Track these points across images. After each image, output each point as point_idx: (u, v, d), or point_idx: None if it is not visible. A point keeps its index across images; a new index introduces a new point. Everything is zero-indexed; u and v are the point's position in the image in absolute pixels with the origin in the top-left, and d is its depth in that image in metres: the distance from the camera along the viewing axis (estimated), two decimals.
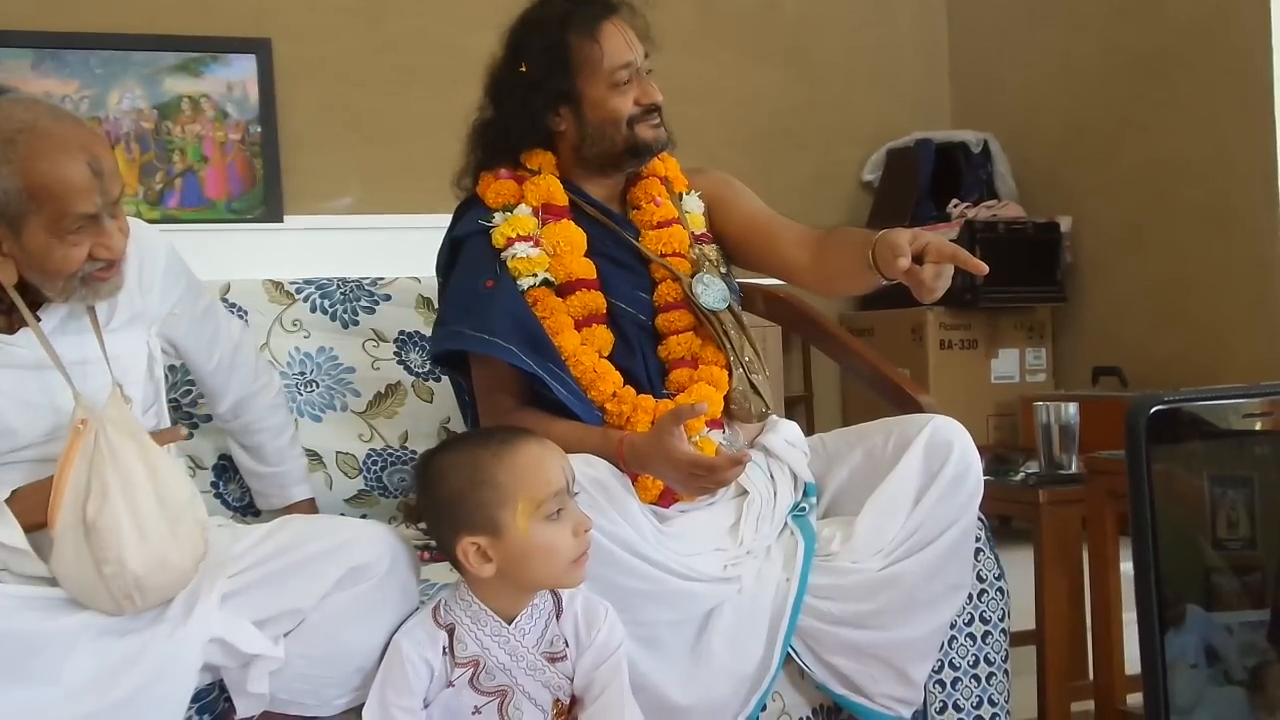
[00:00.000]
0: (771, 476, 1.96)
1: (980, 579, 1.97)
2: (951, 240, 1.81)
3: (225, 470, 2.19)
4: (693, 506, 1.89)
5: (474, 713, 1.59)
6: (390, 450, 2.31)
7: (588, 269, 1.96)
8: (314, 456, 2.23)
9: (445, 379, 2.27)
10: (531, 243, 1.95)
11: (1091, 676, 2.46)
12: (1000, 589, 2.00)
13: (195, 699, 1.58)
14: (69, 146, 1.57)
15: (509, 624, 1.60)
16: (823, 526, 1.94)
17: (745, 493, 1.92)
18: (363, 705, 1.59)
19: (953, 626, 1.94)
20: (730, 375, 1.94)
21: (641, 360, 1.96)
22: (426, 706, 1.58)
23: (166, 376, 1.91)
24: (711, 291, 1.97)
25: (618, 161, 2.01)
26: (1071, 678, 2.46)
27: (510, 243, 1.95)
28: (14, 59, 3.90)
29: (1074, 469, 2.49)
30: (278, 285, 2.32)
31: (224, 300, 2.23)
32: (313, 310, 2.32)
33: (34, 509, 1.58)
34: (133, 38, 4.00)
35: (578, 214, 2.01)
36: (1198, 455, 0.97)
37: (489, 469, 1.56)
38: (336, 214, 4.21)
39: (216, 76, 4.09)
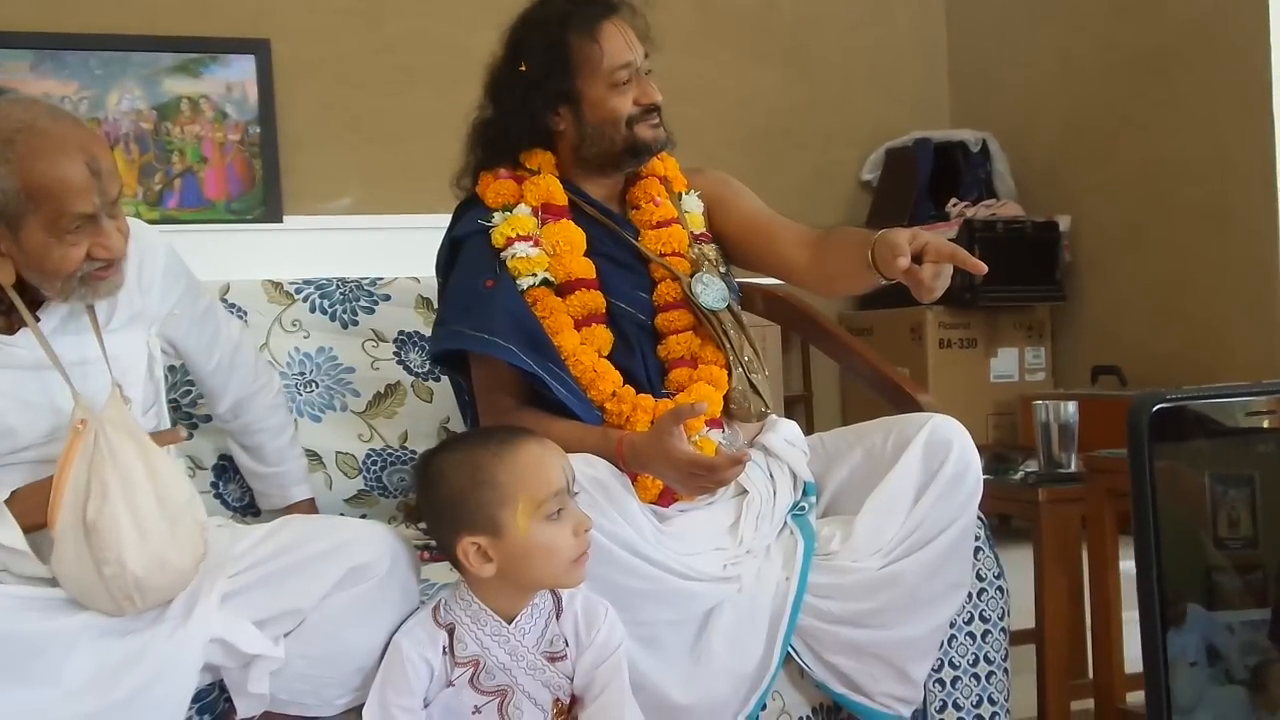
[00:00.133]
0: (771, 476, 1.96)
1: (980, 578, 1.97)
2: (950, 240, 1.82)
3: (225, 470, 2.19)
4: (692, 506, 1.89)
5: (474, 712, 1.59)
6: (390, 450, 2.31)
7: (587, 269, 1.96)
8: (314, 457, 2.23)
9: (445, 379, 2.27)
10: (531, 242, 1.95)
11: (1091, 675, 2.46)
12: (1000, 588, 2.00)
13: (196, 699, 1.58)
14: (67, 146, 1.57)
15: (509, 623, 1.60)
16: (822, 526, 1.94)
17: (745, 492, 1.92)
18: (363, 705, 1.59)
19: (952, 625, 1.94)
20: (730, 375, 1.94)
21: (641, 360, 1.96)
22: (426, 706, 1.58)
23: (166, 377, 1.91)
24: (711, 291, 1.97)
25: (617, 161, 2.01)
26: (1071, 676, 2.46)
27: (510, 242, 1.95)
28: (13, 60, 3.90)
29: (1073, 468, 2.48)
30: (277, 285, 2.32)
31: (223, 301, 2.23)
32: (312, 310, 2.32)
33: (33, 510, 1.58)
34: (132, 39, 4.00)
35: (577, 214, 2.01)
36: (1199, 453, 0.97)
37: (489, 469, 1.56)
38: (336, 214, 4.21)
39: (216, 77, 4.09)
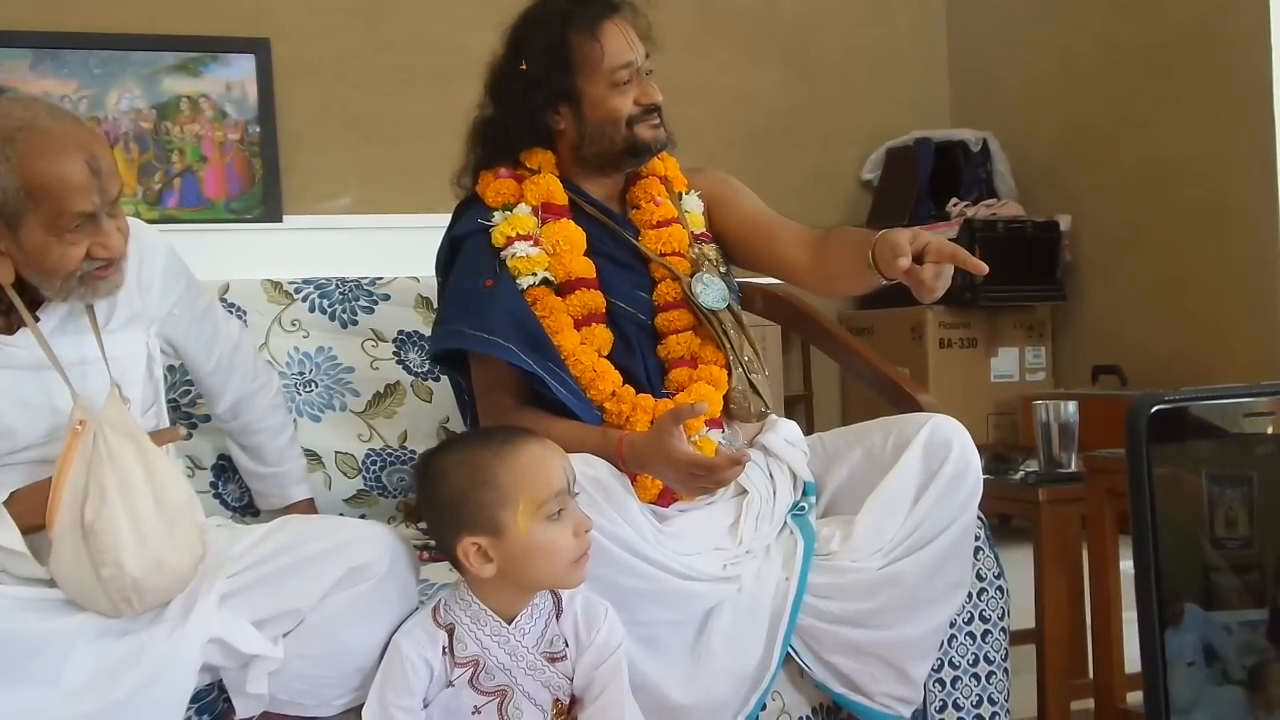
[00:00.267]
0: (771, 476, 1.96)
1: (980, 578, 1.97)
2: (951, 239, 1.82)
3: (224, 470, 2.19)
4: (692, 506, 1.89)
5: (473, 713, 1.59)
6: (389, 450, 2.31)
7: (587, 268, 1.96)
8: (313, 456, 2.23)
9: (444, 379, 2.27)
10: (531, 242, 1.95)
11: (1091, 675, 2.46)
12: (1000, 588, 2.00)
13: (194, 699, 1.58)
14: (67, 145, 1.56)
15: (509, 624, 1.60)
16: (822, 526, 1.94)
17: (745, 492, 1.92)
18: (362, 705, 1.59)
19: (952, 625, 1.94)
20: (729, 375, 1.94)
21: (641, 359, 1.96)
22: (426, 706, 1.58)
23: (165, 377, 1.91)
24: (711, 291, 1.97)
25: (617, 161, 2.01)
26: (1071, 676, 2.46)
27: (510, 242, 1.95)
28: (12, 59, 3.90)
29: (1073, 468, 2.48)
30: (276, 285, 2.32)
31: (223, 300, 2.23)
32: (311, 310, 2.32)
33: (32, 511, 1.58)
34: (131, 38, 3.99)
35: (577, 213, 2.01)
36: (1197, 454, 0.97)
37: (490, 469, 1.56)
38: (335, 214, 4.21)
39: (215, 76, 4.09)
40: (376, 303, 2.37)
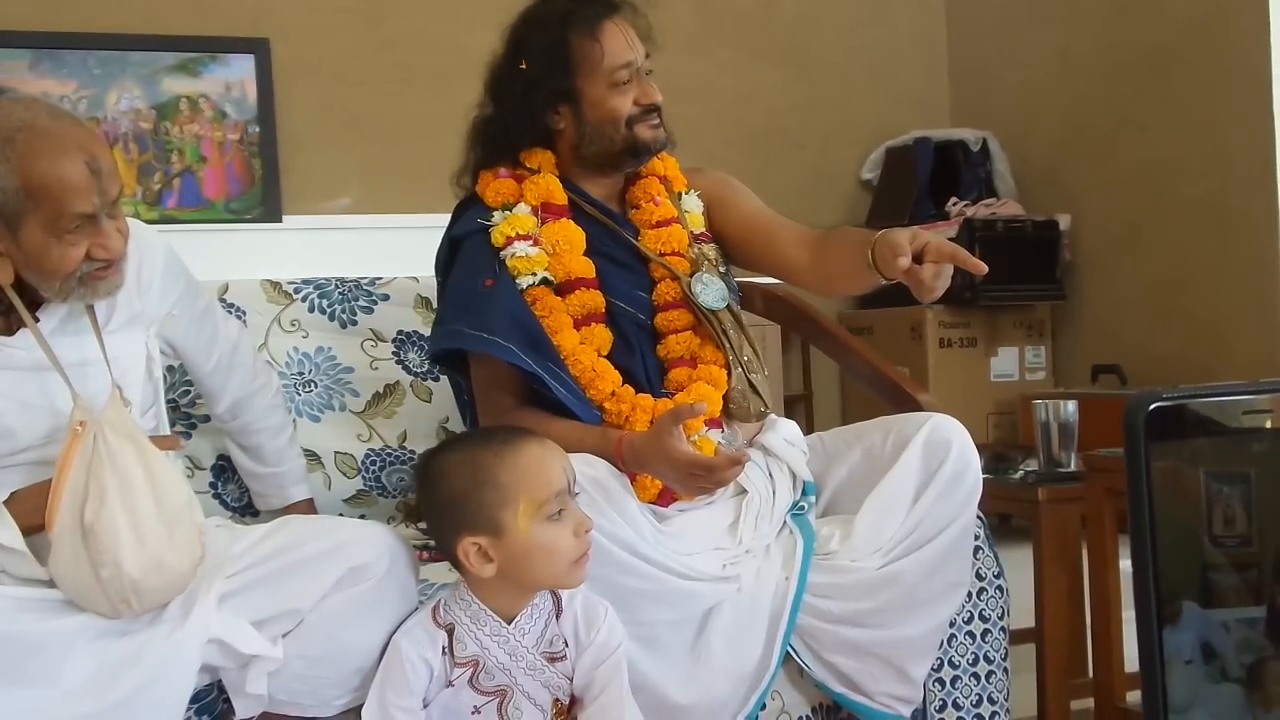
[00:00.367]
0: (770, 475, 1.96)
1: (979, 577, 1.97)
2: (950, 239, 1.82)
3: (224, 471, 2.19)
4: (691, 506, 1.89)
5: (473, 712, 1.59)
6: (389, 450, 2.31)
7: (587, 268, 1.96)
8: (312, 457, 2.23)
9: (444, 379, 2.27)
10: (530, 241, 1.95)
11: (1091, 674, 2.46)
12: (1000, 587, 2.00)
13: (194, 700, 1.58)
14: (67, 146, 1.56)
15: (509, 624, 1.60)
16: (822, 525, 1.94)
17: (744, 492, 1.92)
18: (362, 705, 1.59)
19: (952, 625, 1.94)
20: (729, 374, 1.94)
21: (640, 359, 1.96)
22: (426, 706, 1.58)
23: (165, 377, 1.91)
24: (710, 291, 1.97)
25: (616, 161, 2.01)
26: (1071, 675, 2.46)
27: (509, 241, 1.95)
28: (12, 59, 3.90)
29: (1073, 467, 2.48)
30: (276, 285, 2.32)
31: (222, 300, 2.23)
32: (311, 310, 2.32)
33: (32, 511, 1.58)
34: (131, 38, 4.00)
35: (577, 213, 2.01)
36: (1195, 452, 0.97)
37: (491, 469, 1.56)
38: (335, 214, 4.21)
39: (215, 76, 4.09)
40: (376, 303, 2.37)
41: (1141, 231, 4.09)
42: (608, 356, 1.93)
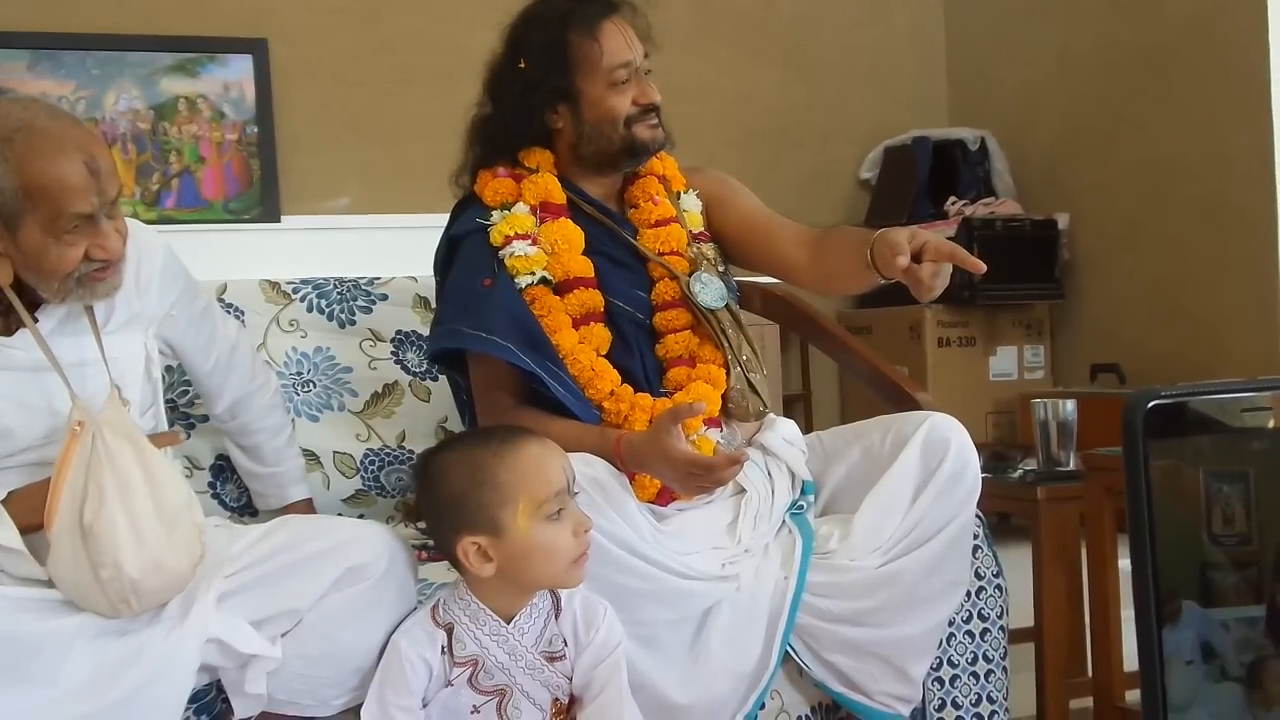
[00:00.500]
0: (769, 475, 1.96)
1: (978, 576, 1.97)
2: (949, 238, 1.82)
3: (223, 471, 2.19)
4: (690, 505, 1.89)
5: (472, 712, 1.59)
6: (387, 450, 2.30)
7: (585, 267, 1.96)
8: (311, 456, 2.23)
9: (442, 378, 2.27)
10: (529, 241, 1.95)
11: (1090, 674, 2.46)
12: (999, 586, 2.00)
13: (193, 699, 1.58)
14: (66, 146, 1.56)
15: (508, 623, 1.60)
16: (821, 524, 1.94)
17: (743, 491, 1.92)
18: (361, 705, 1.59)
19: (951, 624, 1.94)
20: (728, 374, 1.94)
21: (639, 358, 1.96)
22: (425, 706, 1.58)
23: (164, 377, 1.91)
24: (709, 290, 1.97)
25: (615, 161, 2.01)
26: (1070, 675, 2.46)
27: (508, 241, 1.95)
28: (10, 60, 3.89)
29: (1072, 466, 2.48)
30: (274, 285, 2.32)
31: (221, 300, 2.23)
32: (310, 310, 2.32)
33: (30, 510, 1.57)
34: (129, 38, 3.99)
35: (576, 212, 2.01)
36: (1194, 450, 0.97)
37: (490, 469, 1.56)
38: (334, 214, 4.21)
39: (213, 77, 4.09)
40: (374, 303, 2.36)
41: (1140, 230, 4.09)
42: (606, 356, 1.93)
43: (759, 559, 1.86)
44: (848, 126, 4.77)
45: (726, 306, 1.98)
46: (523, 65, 1.97)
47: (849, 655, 1.84)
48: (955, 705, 1.97)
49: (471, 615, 1.59)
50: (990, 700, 1.99)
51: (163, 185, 4.05)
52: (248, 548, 1.64)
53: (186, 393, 2.16)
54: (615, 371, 1.91)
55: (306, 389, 2.28)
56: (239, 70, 4.10)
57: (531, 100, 1.97)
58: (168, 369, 2.04)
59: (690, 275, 1.98)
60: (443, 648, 1.58)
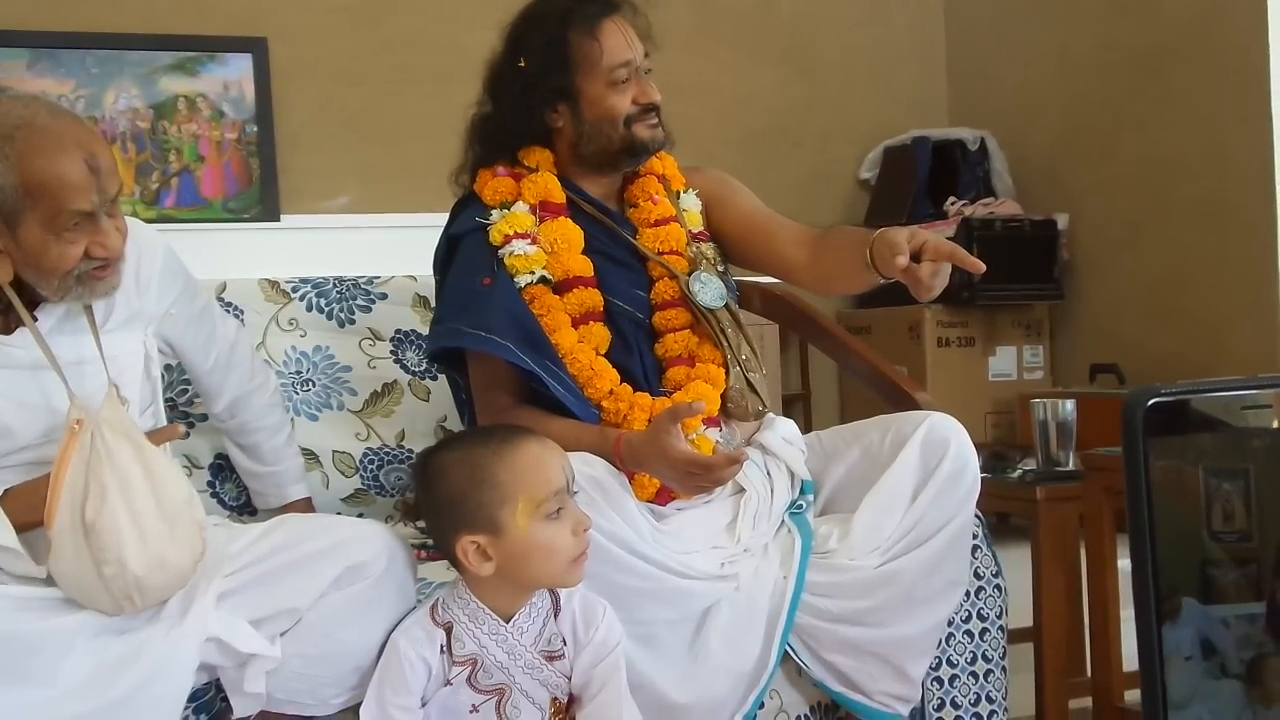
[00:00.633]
0: (769, 474, 1.95)
1: (978, 576, 1.97)
2: (949, 238, 1.82)
3: (222, 470, 2.19)
4: (690, 504, 1.89)
5: (471, 711, 1.59)
6: (387, 449, 2.30)
7: (585, 266, 1.96)
8: (310, 455, 2.23)
9: (442, 377, 2.27)
10: (529, 240, 1.95)
11: (1089, 673, 2.46)
12: (998, 586, 2.00)
13: (192, 698, 1.58)
14: (66, 143, 1.56)
15: (507, 622, 1.60)
16: (820, 524, 1.94)
17: (742, 490, 1.92)
18: (360, 704, 1.58)
19: (950, 624, 1.94)
20: (727, 373, 1.94)
21: (639, 358, 1.96)
22: (424, 705, 1.58)
23: (163, 376, 1.91)
24: (709, 289, 1.97)
25: (614, 160, 2.01)
26: (1069, 675, 2.46)
27: (508, 240, 1.95)
28: (10, 59, 3.90)
29: (1071, 466, 2.48)
30: (274, 284, 2.32)
31: (220, 299, 2.23)
32: (309, 309, 2.32)
33: (27, 508, 1.57)
34: (129, 37, 3.99)
35: (575, 211, 2.01)
36: (1194, 448, 0.97)
37: (490, 468, 1.56)
38: (333, 213, 4.21)
39: (213, 76, 4.09)
40: (374, 302, 2.36)
41: (1139, 230, 4.09)
42: (606, 355, 1.93)
43: (758, 558, 1.86)
44: (848, 126, 4.77)
45: (726, 306, 1.98)
46: (522, 64, 1.97)
47: (848, 655, 1.84)
48: (954, 705, 1.97)
49: (471, 614, 1.59)
50: (989, 700, 1.99)
51: (162, 184, 4.05)
52: (247, 547, 1.63)
53: (186, 391, 2.16)
54: (614, 371, 1.91)
55: (306, 388, 2.28)
56: (238, 69, 4.10)
57: (531, 99, 1.97)
58: (167, 368, 2.04)
59: (690, 275, 1.98)
60: (442, 647, 1.58)
